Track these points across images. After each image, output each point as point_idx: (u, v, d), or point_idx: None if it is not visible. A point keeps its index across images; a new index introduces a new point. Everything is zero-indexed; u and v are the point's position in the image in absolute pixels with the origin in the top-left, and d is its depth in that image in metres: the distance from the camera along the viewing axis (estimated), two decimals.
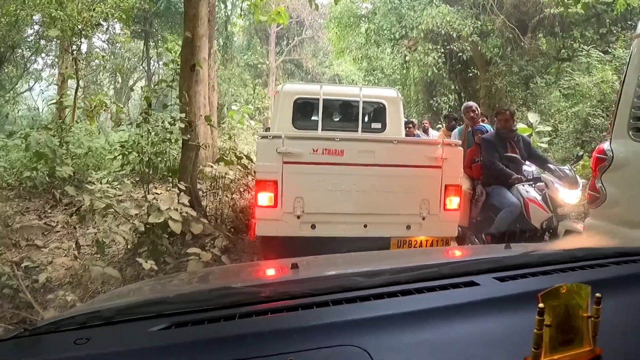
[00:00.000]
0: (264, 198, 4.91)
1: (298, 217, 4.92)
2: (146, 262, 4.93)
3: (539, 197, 5.72)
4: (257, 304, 1.40)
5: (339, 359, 1.10)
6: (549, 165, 5.95)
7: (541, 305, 1.01)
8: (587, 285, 1.09)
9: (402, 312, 1.28)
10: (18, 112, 24.69)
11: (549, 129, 12.74)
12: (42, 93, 28.73)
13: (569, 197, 5.55)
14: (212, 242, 6.03)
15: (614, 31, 15.18)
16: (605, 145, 4.03)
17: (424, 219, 5.08)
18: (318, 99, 6.82)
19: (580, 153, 6.85)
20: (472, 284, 1.46)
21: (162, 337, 1.23)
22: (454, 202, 5.15)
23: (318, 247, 4.73)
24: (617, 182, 3.94)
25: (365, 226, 5.07)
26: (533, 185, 5.92)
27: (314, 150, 4.93)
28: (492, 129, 6.57)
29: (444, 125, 10.16)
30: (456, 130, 7.28)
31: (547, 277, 1.53)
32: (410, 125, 9.96)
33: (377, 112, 7.30)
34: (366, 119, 7.42)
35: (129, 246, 5.99)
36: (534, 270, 1.58)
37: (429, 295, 1.40)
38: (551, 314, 1.03)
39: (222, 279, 2.37)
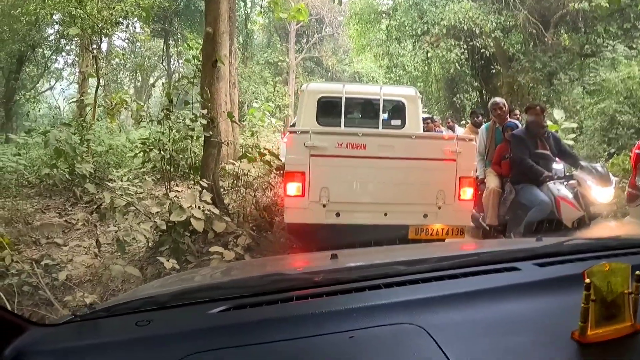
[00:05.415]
0: (293, 188, 5.25)
1: (324, 205, 5.23)
2: (167, 260, 4.89)
3: (570, 195, 5.55)
4: (309, 289, 1.46)
5: (399, 336, 1.16)
6: (580, 162, 5.77)
7: (587, 280, 1.09)
8: (627, 264, 1.17)
9: (452, 294, 1.35)
10: (39, 110, 24.86)
11: (575, 125, 12.47)
12: (63, 92, 29.08)
13: (602, 195, 5.38)
14: (234, 240, 5.97)
15: (639, 26, 14.90)
16: None
17: (439, 208, 5.34)
18: (341, 98, 7.24)
19: (612, 150, 6.66)
20: (514, 269, 1.55)
21: (222, 319, 1.29)
22: (467, 192, 5.43)
23: (342, 233, 5.16)
24: None
25: (385, 214, 5.35)
26: (564, 183, 5.73)
27: (338, 144, 5.25)
28: (521, 125, 6.39)
29: (469, 121, 9.99)
30: (483, 126, 7.12)
31: (584, 262, 1.56)
32: (429, 121, 10.01)
33: (397, 110, 7.66)
34: (386, 116, 7.78)
35: (149, 244, 5.98)
36: (570, 257, 1.67)
37: (474, 278, 1.48)
38: (595, 290, 1.11)
39: (250, 272, 2.37)
